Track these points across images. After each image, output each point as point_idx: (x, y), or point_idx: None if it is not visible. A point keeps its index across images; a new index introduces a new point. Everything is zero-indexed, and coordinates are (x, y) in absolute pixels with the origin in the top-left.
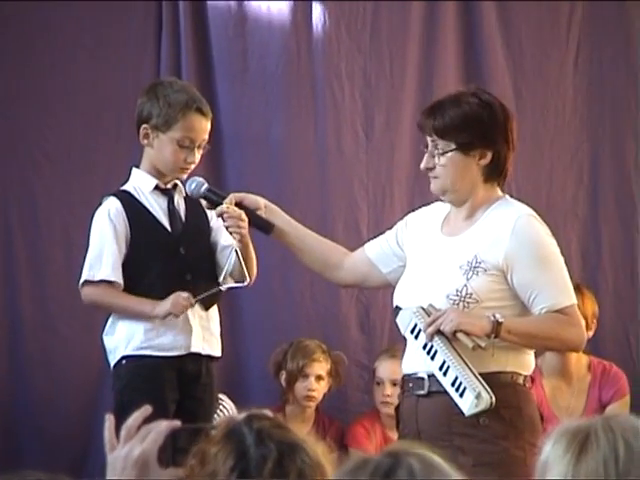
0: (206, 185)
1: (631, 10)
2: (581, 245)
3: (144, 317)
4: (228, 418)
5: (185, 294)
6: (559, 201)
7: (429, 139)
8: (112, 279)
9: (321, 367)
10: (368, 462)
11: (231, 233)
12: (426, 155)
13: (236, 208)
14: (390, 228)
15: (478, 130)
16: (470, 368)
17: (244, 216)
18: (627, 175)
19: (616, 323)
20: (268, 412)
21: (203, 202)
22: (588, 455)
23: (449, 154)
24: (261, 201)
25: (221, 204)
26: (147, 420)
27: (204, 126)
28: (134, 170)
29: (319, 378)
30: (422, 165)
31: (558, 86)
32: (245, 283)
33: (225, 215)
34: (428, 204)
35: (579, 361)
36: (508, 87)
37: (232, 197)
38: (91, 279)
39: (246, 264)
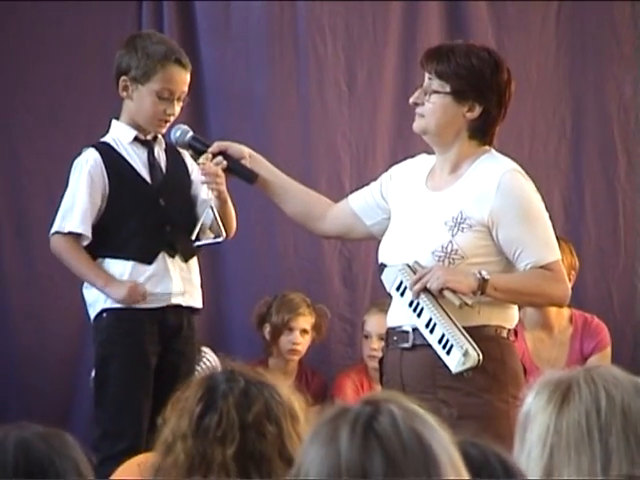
0: (191, 133)
1: None
2: (563, 198)
3: (95, 288)
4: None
5: (143, 289)
6: (541, 154)
7: (427, 75)
8: (80, 231)
9: (306, 321)
10: (348, 410)
11: (209, 189)
12: (419, 90)
13: (212, 164)
14: (374, 180)
15: (476, 83)
16: (457, 325)
17: (221, 172)
18: (609, 128)
19: (598, 276)
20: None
21: (187, 151)
22: (570, 406)
23: (441, 95)
24: (245, 150)
25: (205, 152)
26: (128, 372)
27: (183, 78)
28: (114, 122)
29: (304, 332)
30: (411, 99)
31: (540, 38)
32: (220, 239)
33: (202, 171)
34: (412, 156)
35: (560, 313)
36: (491, 40)
37: (217, 145)
38: (61, 230)
39: (224, 220)
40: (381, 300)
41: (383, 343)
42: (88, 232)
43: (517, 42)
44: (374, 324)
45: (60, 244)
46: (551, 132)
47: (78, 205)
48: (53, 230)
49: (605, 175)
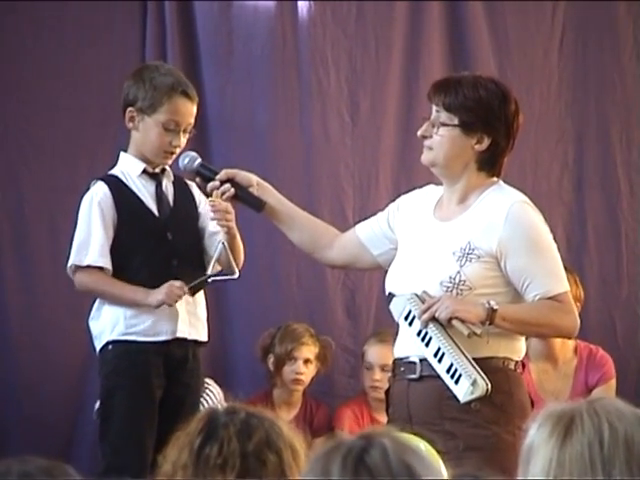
0: (199, 160)
1: None
2: (566, 228)
3: (137, 305)
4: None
5: (178, 283)
6: (544, 185)
7: (434, 108)
8: (100, 264)
9: (309, 351)
10: (341, 445)
11: (218, 225)
12: (426, 123)
13: (222, 201)
14: (377, 213)
15: (485, 115)
16: (465, 355)
17: (231, 208)
18: (612, 159)
19: (601, 305)
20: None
21: (195, 178)
22: (573, 438)
23: (449, 128)
24: (253, 178)
25: (213, 179)
26: (133, 405)
27: (190, 109)
28: (122, 154)
29: (307, 362)
30: (419, 132)
31: (543, 70)
32: (235, 276)
33: (212, 208)
34: (415, 187)
35: (565, 345)
36: (493, 71)
37: (224, 173)
38: (78, 264)
39: (233, 255)
40: (381, 330)
41: (387, 373)
42: (108, 264)
43: (519, 73)
44: (375, 355)
45: (85, 279)
46: (554, 163)
47: (94, 238)
48: (70, 263)
49: (607, 205)
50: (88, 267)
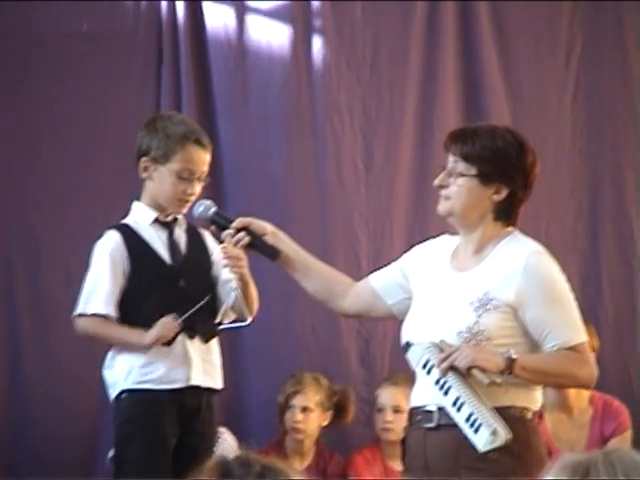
0: (214, 209)
1: (629, 44)
2: (581, 279)
3: (134, 347)
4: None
5: (174, 320)
6: (558, 234)
7: (451, 158)
8: (104, 313)
9: (307, 399)
10: None
11: (231, 272)
12: (443, 173)
13: (234, 247)
14: (391, 261)
15: (502, 165)
16: (485, 404)
17: (243, 255)
18: (626, 209)
19: (617, 357)
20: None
21: (210, 226)
22: None
23: (467, 178)
24: (268, 227)
25: (228, 228)
26: (147, 453)
27: (203, 158)
28: (135, 203)
29: (305, 410)
30: (436, 181)
31: (557, 119)
32: (246, 323)
33: (224, 254)
34: (427, 238)
35: (580, 395)
36: (508, 121)
37: (239, 221)
38: (84, 312)
39: (246, 302)
40: (393, 374)
41: (399, 415)
42: (113, 312)
43: (533, 122)
44: (387, 396)
45: (85, 324)
46: (568, 212)
47: (101, 287)
48: (77, 312)
49: (622, 255)
50: (93, 315)
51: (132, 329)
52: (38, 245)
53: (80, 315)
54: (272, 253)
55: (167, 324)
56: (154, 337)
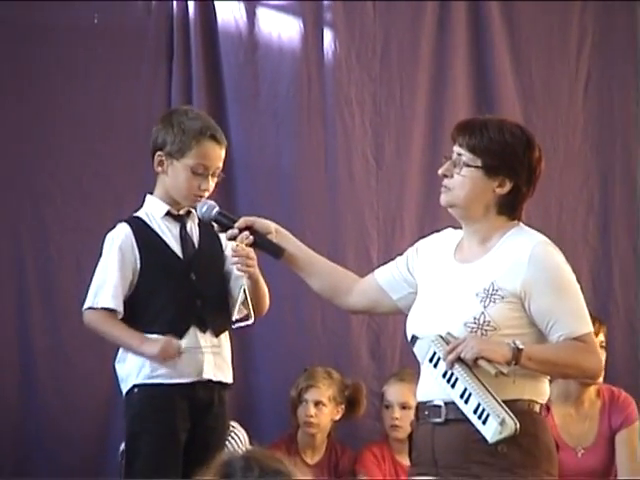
0: (217, 209)
1: None
2: (592, 272)
3: (132, 351)
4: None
5: (176, 342)
6: (569, 228)
7: (457, 149)
8: (111, 307)
9: (320, 393)
10: None
11: (240, 271)
12: (448, 162)
13: (244, 246)
14: (400, 254)
15: (508, 159)
16: (492, 394)
17: (253, 254)
18: (637, 202)
19: (627, 350)
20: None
21: (215, 225)
22: None
23: (472, 169)
24: (272, 225)
25: (232, 227)
26: (158, 448)
27: (218, 154)
28: (148, 197)
29: (318, 404)
30: (441, 170)
31: (568, 113)
32: (249, 322)
33: (233, 253)
34: (438, 231)
35: (587, 387)
36: (518, 114)
37: (243, 221)
38: (94, 306)
39: (256, 300)
40: (400, 369)
41: (406, 412)
42: (120, 307)
43: (545, 116)
44: (394, 393)
45: (92, 318)
46: (579, 206)
47: (110, 281)
48: (86, 306)
49: (633, 249)
50: (101, 309)
51: (134, 332)
52: (49, 239)
53: (89, 308)
54: (276, 251)
55: (169, 350)
56: (153, 355)
